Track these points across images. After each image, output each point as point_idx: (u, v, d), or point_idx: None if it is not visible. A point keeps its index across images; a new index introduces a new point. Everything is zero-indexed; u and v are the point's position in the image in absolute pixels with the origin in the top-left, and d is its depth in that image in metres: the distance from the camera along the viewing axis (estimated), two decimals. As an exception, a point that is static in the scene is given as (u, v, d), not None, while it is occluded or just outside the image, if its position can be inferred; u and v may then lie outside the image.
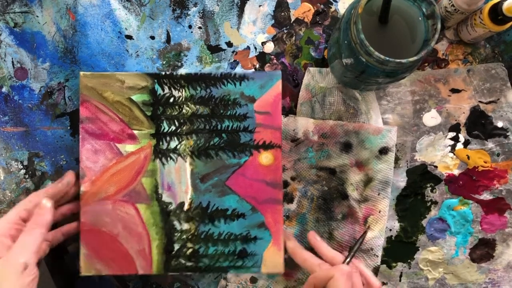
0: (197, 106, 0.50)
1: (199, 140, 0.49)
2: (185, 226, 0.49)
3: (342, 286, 0.41)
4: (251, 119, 0.49)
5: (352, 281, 0.42)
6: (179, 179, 0.50)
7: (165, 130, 0.49)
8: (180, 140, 0.49)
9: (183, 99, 0.50)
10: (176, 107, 0.50)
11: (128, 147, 0.49)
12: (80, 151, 0.49)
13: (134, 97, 0.49)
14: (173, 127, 0.49)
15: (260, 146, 0.49)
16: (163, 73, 0.50)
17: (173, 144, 0.49)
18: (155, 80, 0.49)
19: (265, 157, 0.49)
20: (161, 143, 0.49)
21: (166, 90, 0.50)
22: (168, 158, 0.49)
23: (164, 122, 0.50)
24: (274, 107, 0.49)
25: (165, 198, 0.49)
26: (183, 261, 0.49)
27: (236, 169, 0.49)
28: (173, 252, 0.49)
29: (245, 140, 0.49)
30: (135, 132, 0.49)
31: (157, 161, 0.49)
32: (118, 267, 0.48)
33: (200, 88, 0.50)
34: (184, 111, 0.50)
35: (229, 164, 0.49)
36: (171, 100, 0.50)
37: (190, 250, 0.49)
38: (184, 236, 0.49)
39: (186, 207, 0.49)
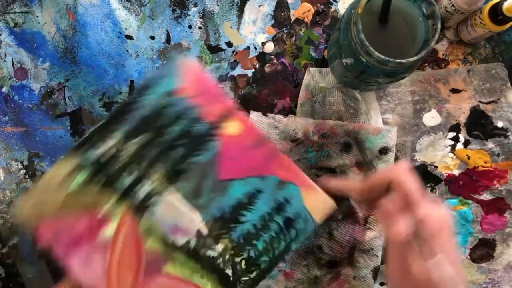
0: (137, 138, 0.44)
1: (164, 165, 0.44)
2: (219, 247, 0.43)
3: (411, 179, 0.36)
4: (190, 109, 0.44)
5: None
6: (178, 212, 0.44)
7: (128, 184, 0.43)
8: (149, 178, 0.44)
9: (120, 142, 0.44)
10: (120, 154, 0.44)
11: (108, 231, 0.43)
12: (74, 273, 0.42)
13: (74, 184, 0.43)
14: (134, 174, 0.43)
15: (218, 122, 0.44)
16: (78, 141, 0.44)
17: (145, 188, 0.43)
18: (80, 151, 0.43)
19: (232, 127, 0.44)
20: (134, 199, 0.43)
21: (99, 149, 0.43)
22: (151, 205, 0.43)
23: (121, 177, 0.43)
24: (198, 82, 0.44)
25: (180, 240, 0.43)
26: (246, 278, 0.43)
27: (218, 159, 0.44)
28: (231, 279, 0.43)
29: (201, 129, 0.44)
30: (103, 210, 0.43)
31: (144, 217, 0.43)
32: None
33: (124, 121, 0.44)
34: (129, 151, 0.44)
35: (207, 161, 0.44)
36: (110, 153, 0.43)
37: (244, 263, 0.43)
38: (227, 256, 0.43)
39: (205, 231, 0.44)
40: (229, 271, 0.43)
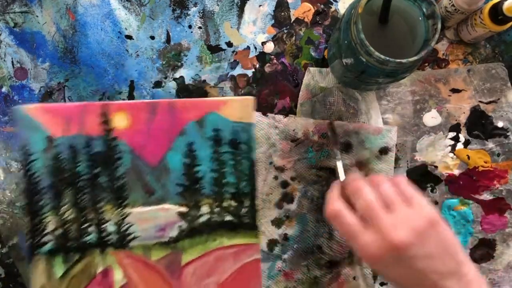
0: (65, 199, 0.45)
1: (104, 198, 0.45)
2: (205, 209, 0.45)
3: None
4: (75, 140, 0.45)
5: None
6: (150, 217, 0.46)
7: (96, 236, 0.45)
8: (104, 218, 0.45)
9: (57, 214, 0.45)
10: (66, 221, 0.45)
11: (119, 276, 0.45)
12: None
13: (59, 270, 0.45)
14: (91, 226, 0.45)
15: (105, 128, 0.45)
16: (27, 248, 0.45)
17: (110, 227, 0.45)
18: (35, 251, 0.45)
19: (119, 120, 0.45)
20: (111, 240, 0.45)
21: (47, 234, 0.45)
22: (127, 231, 0.46)
23: (86, 237, 0.45)
24: (57, 114, 0.45)
25: (173, 232, 0.46)
26: (244, 210, 0.46)
27: (135, 153, 0.45)
28: (235, 220, 0.46)
29: (99, 147, 0.45)
30: (98, 267, 0.45)
31: (131, 243, 0.46)
32: None
33: (40, 196, 0.45)
34: (70, 214, 0.45)
35: (129, 163, 0.45)
36: (59, 229, 0.45)
37: (232, 202, 0.46)
38: (216, 209, 0.46)
39: (183, 209, 0.46)
40: (228, 217, 0.45)
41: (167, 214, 0.45)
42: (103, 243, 0.45)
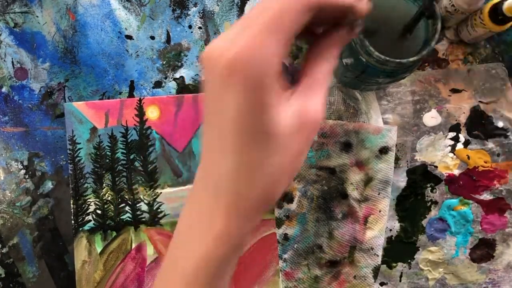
0: (104, 183, 0.51)
1: (137, 180, 0.51)
2: None
3: None
4: (114, 131, 0.52)
5: None
6: (178, 196, 0.51)
7: (131, 215, 0.51)
8: (138, 199, 0.51)
9: (98, 196, 0.52)
10: (104, 202, 0.51)
11: (150, 251, 0.51)
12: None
13: (98, 246, 0.51)
14: (126, 207, 0.51)
15: (140, 121, 0.51)
16: (74, 226, 0.51)
17: (143, 206, 0.51)
18: (78, 229, 0.51)
19: (151, 113, 0.51)
20: (144, 218, 0.51)
21: (89, 213, 0.51)
22: (158, 209, 0.51)
23: (122, 216, 0.51)
24: (98, 108, 0.52)
25: None
26: None
27: (165, 141, 0.51)
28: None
29: (134, 137, 0.51)
30: (133, 243, 0.51)
31: (162, 220, 0.51)
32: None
33: (84, 181, 0.52)
34: (109, 196, 0.51)
35: (159, 149, 0.51)
36: (98, 210, 0.51)
37: None
38: None
39: None
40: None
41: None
42: (137, 221, 0.51)
